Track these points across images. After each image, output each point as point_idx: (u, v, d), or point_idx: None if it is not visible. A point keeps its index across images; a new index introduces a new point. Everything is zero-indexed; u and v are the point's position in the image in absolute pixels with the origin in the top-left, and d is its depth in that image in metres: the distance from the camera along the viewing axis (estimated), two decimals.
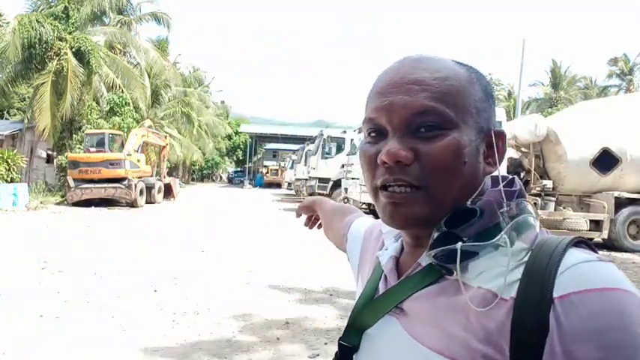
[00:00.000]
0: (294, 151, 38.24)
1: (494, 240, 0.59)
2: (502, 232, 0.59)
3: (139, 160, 18.67)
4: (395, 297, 0.67)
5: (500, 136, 0.68)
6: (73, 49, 19.59)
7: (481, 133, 0.65)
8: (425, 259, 0.66)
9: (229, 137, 54.83)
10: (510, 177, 0.67)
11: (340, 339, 0.76)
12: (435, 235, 0.62)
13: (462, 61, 0.70)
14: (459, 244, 0.59)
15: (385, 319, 0.67)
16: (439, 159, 0.61)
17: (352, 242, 1.00)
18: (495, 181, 0.66)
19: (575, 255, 0.55)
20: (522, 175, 11.31)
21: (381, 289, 0.72)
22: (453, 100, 0.62)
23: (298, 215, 1.45)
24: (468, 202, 0.64)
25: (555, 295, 0.52)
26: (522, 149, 11.26)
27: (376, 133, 0.65)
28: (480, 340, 0.55)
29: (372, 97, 0.66)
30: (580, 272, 0.53)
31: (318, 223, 1.38)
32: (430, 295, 0.63)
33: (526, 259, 0.57)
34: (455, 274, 0.60)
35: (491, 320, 0.55)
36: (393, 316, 0.66)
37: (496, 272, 0.58)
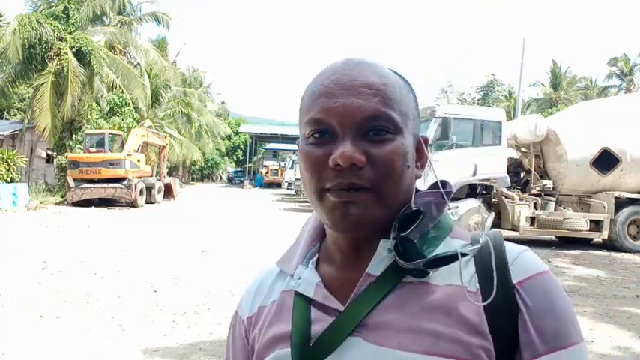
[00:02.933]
0: (294, 151, 38.23)
1: (477, 246, 0.64)
2: (482, 235, 0.65)
3: (139, 161, 18.67)
4: (353, 318, 0.63)
5: (425, 142, 0.72)
6: (74, 50, 19.59)
7: (415, 139, 0.68)
8: (374, 268, 0.65)
9: (229, 137, 54.82)
10: (441, 180, 0.70)
11: None
12: (392, 242, 0.64)
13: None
14: (459, 250, 0.62)
15: (346, 343, 0.63)
16: (390, 163, 0.62)
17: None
18: (433, 184, 0.71)
19: (511, 247, 0.65)
20: (522, 175, 11.32)
21: (318, 319, 0.66)
22: (399, 107, 0.64)
23: None
24: (413, 206, 0.67)
25: (514, 281, 0.62)
26: (522, 149, 11.27)
27: (322, 134, 0.63)
28: (468, 333, 0.59)
29: (317, 97, 0.64)
30: (525, 261, 0.64)
31: None
32: (397, 302, 0.63)
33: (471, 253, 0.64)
34: (421, 275, 0.63)
35: (471, 312, 0.60)
36: (356, 336, 0.63)
37: (450, 268, 0.63)
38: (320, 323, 0.65)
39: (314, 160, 0.63)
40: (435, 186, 0.71)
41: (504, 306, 0.60)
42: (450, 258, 0.62)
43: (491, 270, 0.61)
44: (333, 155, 0.61)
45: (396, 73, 0.69)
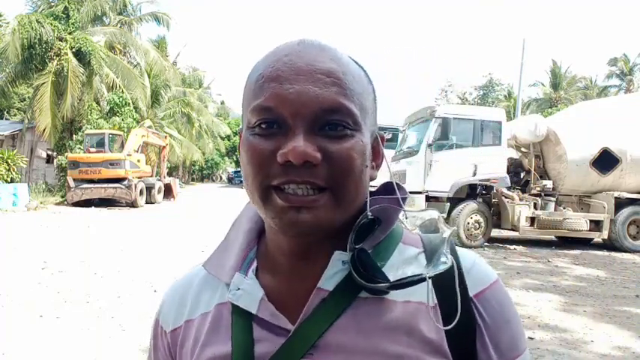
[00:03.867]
0: None
1: (444, 267, 0.57)
2: (444, 250, 0.59)
3: (139, 161, 18.67)
4: (305, 340, 0.56)
5: (382, 139, 0.64)
6: (74, 50, 19.60)
7: (372, 136, 0.60)
8: (327, 282, 0.58)
9: (229, 137, 54.82)
10: (396, 182, 0.63)
11: None
12: (349, 254, 0.58)
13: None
14: (427, 274, 0.56)
15: None
16: (348, 161, 0.54)
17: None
18: (386, 187, 0.65)
19: (463, 254, 0.63)
20: (522, 175, 11.32)
21: (263, 338, 0.59)
22: (359, 99, 0.57)
23: None
24: (369, 213, 0.59)
25: (471, 294, 0.60)
26: (522, 149, 11.26)
27: (270, 124, 0.55)
28: (429, 353, 0.56)
29: (267, 81, 0.55)
30: (479, 271, 0.62)
31: None
32: (353, 321, 0.57)
33: (425, 262, 0.60)
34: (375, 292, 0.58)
35: (432, 331, 0.57)
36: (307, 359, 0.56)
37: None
38: (265, 344, 0.58)
39: (259, 154, 0.55)
40: (386, 188, 0.64)
41: (463, 321, 0.57)
42: (417, 281, 0.56)
43: (449, 280, 0.57)
44: (283, 149, 0.53)
45: (354, 61, 0.61)
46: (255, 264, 0.64)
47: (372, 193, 0.63)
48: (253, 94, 0.56)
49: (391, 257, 0.61)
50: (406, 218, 0.63)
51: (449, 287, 0.57)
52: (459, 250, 0.63)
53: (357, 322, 0.57)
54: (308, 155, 0.52)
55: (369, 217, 0.59)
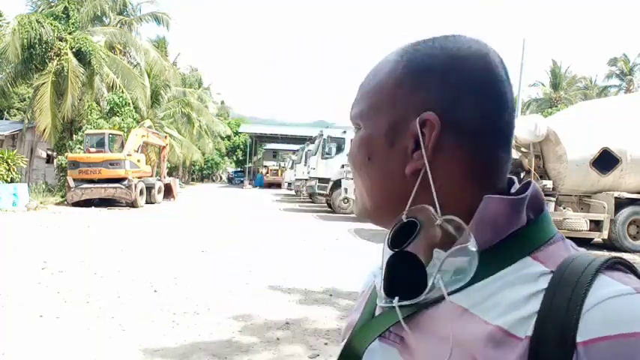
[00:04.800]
0: (294, 152, 38.23)
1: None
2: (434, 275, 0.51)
3: (139, 161, 18.67)
4: (386, 320, 0.56)
5: (427, 122, 0.53)
6: (74, 50, 19.61)
7: (397, 126, 0.55)
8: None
9: (229, 137, 54.82)
10: (526, 181, 0.56)
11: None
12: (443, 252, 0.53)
13: (421, 39, 0.58)
14: (446, 293, 0.50)
15: (384, 348, 0.56)
16: (350, 156, 0.59)
17: None
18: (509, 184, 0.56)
19: (607, 285, 0.45)
20: (522, 175, 11.31)
21: (378, 310, 0.61)
22: (368, 97, 0.57)
23: None
24: (404, 215, 0.55)
25: (579, 339, 0.43)
26: (522, 149, 11.26)
27: None
28: None
29: None
30: (611, 310, 0.43)
31: None
32: (429, 322, 0.52)
33: (546, 285, 0.47)
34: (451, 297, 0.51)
35: None
36: (394, 347, 0.55)
37: (507, 302, 0.48)
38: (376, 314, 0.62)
39: None
40: (525, 187, 0.55)
41: None
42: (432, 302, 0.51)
43: (554, 314, 0.44)
44: None
45: (405, 48, 0.58)
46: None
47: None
48: None
49: (499, 272, 0.50)
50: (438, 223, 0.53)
51: (553, 325, 0.44)
52: (607, 276, 0.46)
53: (433, 325, 0.52)
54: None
55: (403, 220, 0.55)
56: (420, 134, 0.53)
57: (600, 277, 0.45)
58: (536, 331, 0.45)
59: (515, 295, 0.47)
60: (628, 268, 0.48)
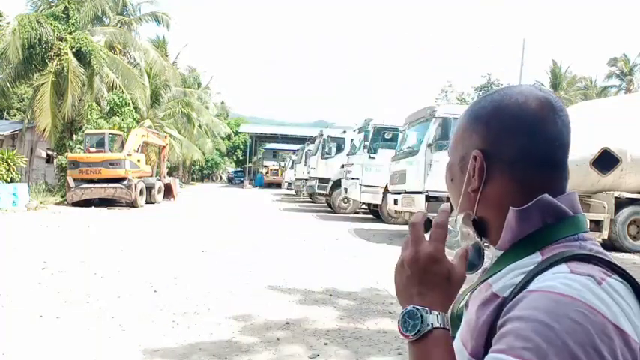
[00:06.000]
0: (294, 151, 38.23)
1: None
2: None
3: (139, 161, 18.67)
4: (463, 296, 0.82)
5: (474, 155, 0.76)
6: (74, 50, 19.60)
7: (465, 157, 0.79)
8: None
9: (229, 137, 54.81)
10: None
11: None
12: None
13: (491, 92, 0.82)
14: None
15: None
16: (445, 176, 0.86)
17: None
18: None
19: (559, 267, 0.64)
20: None
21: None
22: (452, 137, 0.84)
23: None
24: (457, 218, 0.79)
25: (525, 289, 0.64)
26: None
27: None
28: (476, 334, 0.69)
29: None
30: (546, 278, 0.63)
31: None
32: (477, 293, 0.76)
33: (531, 267, 0.68)
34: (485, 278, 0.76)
35: (485, 314, 0.68)
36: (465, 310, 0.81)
37: (507, 278, 0.70)
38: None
39: None
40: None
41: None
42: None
43: (521, 284, 0.66)
44: None
45: (487, 97, 0.81)
46: None
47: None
48: None
49: (517, 261, 0.71)
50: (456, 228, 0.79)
51: (517, 289, 0.66)
52: (565, 264, 0.64)
53: (475, 298, 0.75)
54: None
55: (475, 218, 0.79)
56: (473, 165, 0.76)
57: (560, 264, 0.64)
58: (511, 294, 0.65)
59: (514, 274, 0.69)
60: (599, 261, 0.64)
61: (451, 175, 0.82)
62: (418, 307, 0.66)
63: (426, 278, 0.67)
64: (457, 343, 0.74)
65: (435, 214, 0.72)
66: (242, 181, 48.84)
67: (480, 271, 0.80)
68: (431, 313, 0.66)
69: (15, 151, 18.48)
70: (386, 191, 12.77)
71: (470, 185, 0.76)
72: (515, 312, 0.61)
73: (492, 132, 0.75)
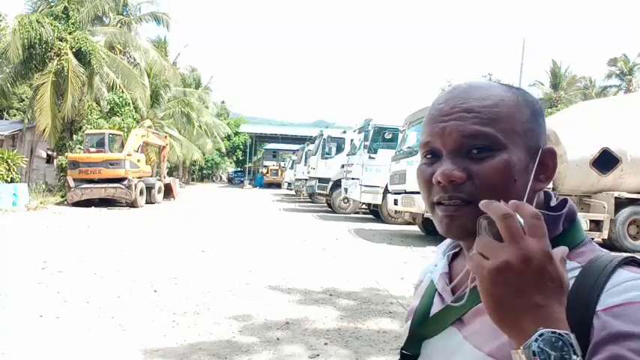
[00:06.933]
0: (294, 151, 38.23)
1: None
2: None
3: (139, 160, 18.67)
4: (455, 313, 0.73)
5: (549, 153, 0.71)
6: (74, 50, 19.60)
7: (530, 152, 0.70)
8: None
9: (229, 137, 54.82)
10: (563, 198, 0.74)
11: (402, 348, 0.83)
12: None
13: (510, 84, 0.76)
14: None
15: (445, 331, 0.74)
16: (490, 177, 0.67)
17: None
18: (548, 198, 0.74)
19: (622, 275, 0.60)
20: None
21: (436, 303, 0.79)
22: (501, 125, 0.68)
23: None
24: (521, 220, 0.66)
25: (599, 308, 0.57)
26: None
27: (431, 155, 0.72)
28: None
29: (426, 124, 0.74)
30: (624, 288, 0.57)
31: None
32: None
33: (576, 273, 0.62)
34: None
35: None
36: (454, 327, 0.73)
37: None
38: (436, 308, 0.78)
39: (424, 178, 0.73)
40: (560, 204, 0.74)
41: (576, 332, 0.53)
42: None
43: (580, 294, 0.59)
44: (436, 173, 0.69)
45: (510, 88, 0.73)
46: (454, 250, 0.84)
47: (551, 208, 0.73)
48: (422, 134, 0.75)
49: None
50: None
51: (578, 302, 0.58)
52: (624, 269, 0.61)
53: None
54: (452, 175, 0.67)
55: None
56: (550, 160, 0.71)
57: (619, 270, 0.61)
58: (567, 304, 0.55)
59: None
60: (638, 264, 0.63)
61: (516, 173, 0.67)
62: (561, 332, 0.50)
63: (543, 284, 0.52)
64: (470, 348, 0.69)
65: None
66: (242, 181, 48.86)
67: None
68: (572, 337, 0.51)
69: (15, 151, 18.48)
70: (386, 191, 12.78)
71: (539, 184, 0.70)
72: (624, 328, 0.54)
73: (544, 128, 0.73)
